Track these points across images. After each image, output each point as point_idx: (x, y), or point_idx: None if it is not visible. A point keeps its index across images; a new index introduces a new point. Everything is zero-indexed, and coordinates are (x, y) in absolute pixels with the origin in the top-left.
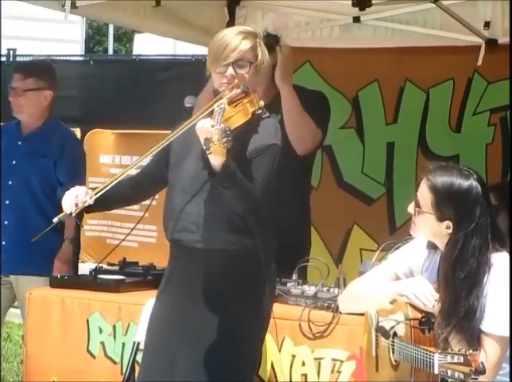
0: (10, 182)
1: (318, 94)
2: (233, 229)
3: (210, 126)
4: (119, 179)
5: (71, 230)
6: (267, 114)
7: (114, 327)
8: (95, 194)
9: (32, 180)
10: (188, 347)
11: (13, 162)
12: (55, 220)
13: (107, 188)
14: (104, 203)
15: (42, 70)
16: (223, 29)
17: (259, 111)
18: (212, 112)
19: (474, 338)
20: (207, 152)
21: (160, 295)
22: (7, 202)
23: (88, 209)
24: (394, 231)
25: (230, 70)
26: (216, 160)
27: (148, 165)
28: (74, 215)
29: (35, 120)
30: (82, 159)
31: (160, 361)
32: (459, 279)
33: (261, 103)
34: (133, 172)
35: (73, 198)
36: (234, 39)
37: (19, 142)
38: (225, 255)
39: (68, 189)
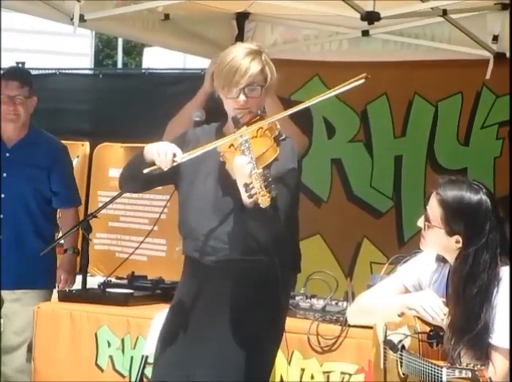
0: (3, 195)
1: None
2: (251, 250)
3: (249, 170)
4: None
5: (73, 240)
6: (283, 136)
7: (123, 341)
8: (190, 155)
9: (26, 192)
10: (204, 365)
11: (4, 175)
12: (146, 171)
13: (193, 156)
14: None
15: (29, 76)
16: (230, 48)
17: (277, 134)
18: (234, 143)
19: (483, 352)
20: (249, 199)
21: (173, 310)
22: (1, 216)
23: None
24: (403, 244)
25: (243, 96)
26: (263, 203)
27: None
28: (166, 169)
29: (21, 130)
30: (72, 166)
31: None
32: (471, 295)
33: (278, 125)
34: None
35: (171, 154)
36: (243, 62)
37: (7, 154)
38: (242, 272)
39: (64, 198)
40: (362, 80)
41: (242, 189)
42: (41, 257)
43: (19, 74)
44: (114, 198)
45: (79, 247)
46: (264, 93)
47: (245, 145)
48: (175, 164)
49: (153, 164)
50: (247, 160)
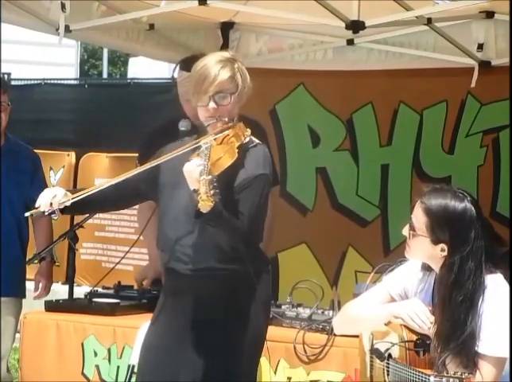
0: None
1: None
2: (224, 258)
3: (197, 175)
4: (101, 188)
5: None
6: (255, 142)
7: (109, 350)
8: (73, 198)
9: (14, 197)
10: (186, 371)
11: None
12: (26, 214)
13: (87, 194)
14: (80, 207)
15: (7, 83)
16: (204, 57)
17: (245, 141)
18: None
19: (470, 360)
20: (196, 204)
21: (153, 323)
22: None
23: (63, 211)
24: (389, 253)
25: (212, 104)
26: (204, 211)
27: (135, 177)
28: (46, 214)
29: (1, 137)
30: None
31: None
32: (457, 303)
33: (248, 132)
34: None
35: (50, 197)
36: (212, 70)
37: None
38: (217, 281)
39: None
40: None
41: (192, 193)
42: (20, 265)
43: (1, 82)
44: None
45: (66, 257)
46: (236, 100)
47: (204, 151)
48: (55, 207)
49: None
50: (197, 163)
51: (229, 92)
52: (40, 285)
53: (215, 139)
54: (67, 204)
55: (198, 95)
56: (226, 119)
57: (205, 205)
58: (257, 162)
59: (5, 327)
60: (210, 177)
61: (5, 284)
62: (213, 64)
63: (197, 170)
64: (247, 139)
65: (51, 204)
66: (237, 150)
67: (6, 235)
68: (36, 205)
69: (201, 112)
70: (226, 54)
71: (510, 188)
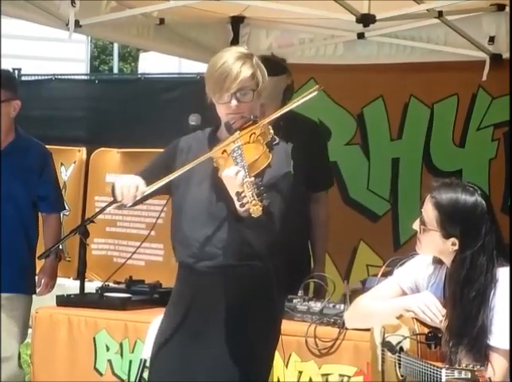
0: None
1: (311, 127)
2: (245, 255)
3: (241, 180)
4: (161, 184)
5: (56, 244)
6: (277, 140)
7: (121, 345)
8: (151, 188)
9: (19, 196)
10: (200, 367)
11: None
12: (109, 208)
13: (162, 183)
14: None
15: (10, 79)
16: (220, 53)
17: (269, 139)
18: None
19: (482, 353)
20: (241, 208)
21: (167, 315)
22: None
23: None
24: (399, 247)
25: (234, 101)
26: (255, 213)
27: (153, 172)
28: (129, 206)
29: (5, 134)
30: (56, 172)
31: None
32: (469, 299)
33: (271, 130)
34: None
35: (134, 189)
36: (234, 67)
37: None
38: (235, 277)
39: (52, 203)
40: (316, 92)
41: (234, 198)
42: (27, 262)
43: (3, 76)
44: (110, 204)
45: (77, 252)
46: (256, 97)
47: (237, 151)
48: (137, 198)
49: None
50: (237, 170)
51: (250, 89)
52: (43, 282)
53: (241, 138)
54: (148, 192)
55: (220, 93)
56: (252, 117)
57: (257, 210)
58: (280, 161)
59: (11, 324)
60: (252, 179)
61: (12, 281)
62: (233, 61)
63: (240, 176)
64: (271, 137)
65: (135, 196)
66: (268, 150)
67: (11, 233)
68: (119, 198)
69: (222, 110)
70: (242, 50)
71: (511, 187)
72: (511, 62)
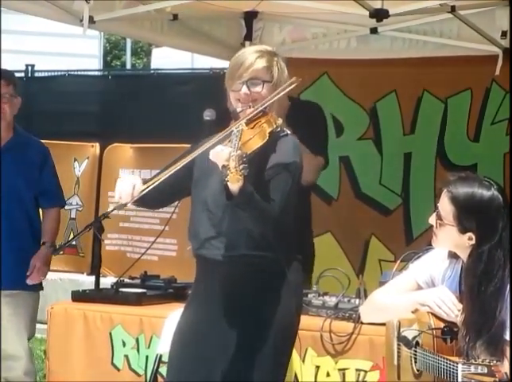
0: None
1: (312, 108)
2: (254, 245)
3: (227, 153)
4: (163, 179)
5: (52, 235)
6: (285, 132)
7: (137, 340)
8: (148, 186)
9: (23, 191)
10: (219, 358)
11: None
12: (111, 209)
13: (157, 183)
14: (144, 200)
15: (14, 76)
16: (245, 47)
17: (277, 130)
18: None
19: (498, 348)
20: (225, 179)
21: (186, 309)
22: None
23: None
24: (411, 242)
25: (244, 89)
26: (233, 186)
27: (177, 174)
28: (128, 205)
29: (7, 130)
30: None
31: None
32: (487, 294)
33: (279, 121)
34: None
35: (131, 188)
36: (249, 57)
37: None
38: (248, 268)
39: (53, 197)
40: (295, 84)
41: (221, 173)
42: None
43: (3, 73)
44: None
45: (91, 248)
46: (270, 90)
47: (236, 134)
48: (135, 197)
49: None
50: (223, 147)
51: (263, 80)
52: (36, 266)
53: (246, 124)
54: (145, 191)
55: (232, 81)
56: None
57: (233, 179)
58: (287, 151)
59: (18, 321)
60: (239, 152)
61: (17, 278)
62: (251, 53)
63: (226, 149)
64: (278, 128)
65: (132, 195)
66: (268, 134)
67: (16, 229)
68: (117, 198)
69: (233, 97)
70: (265, 47)
71: (511, 185)
72: (511, 62)
